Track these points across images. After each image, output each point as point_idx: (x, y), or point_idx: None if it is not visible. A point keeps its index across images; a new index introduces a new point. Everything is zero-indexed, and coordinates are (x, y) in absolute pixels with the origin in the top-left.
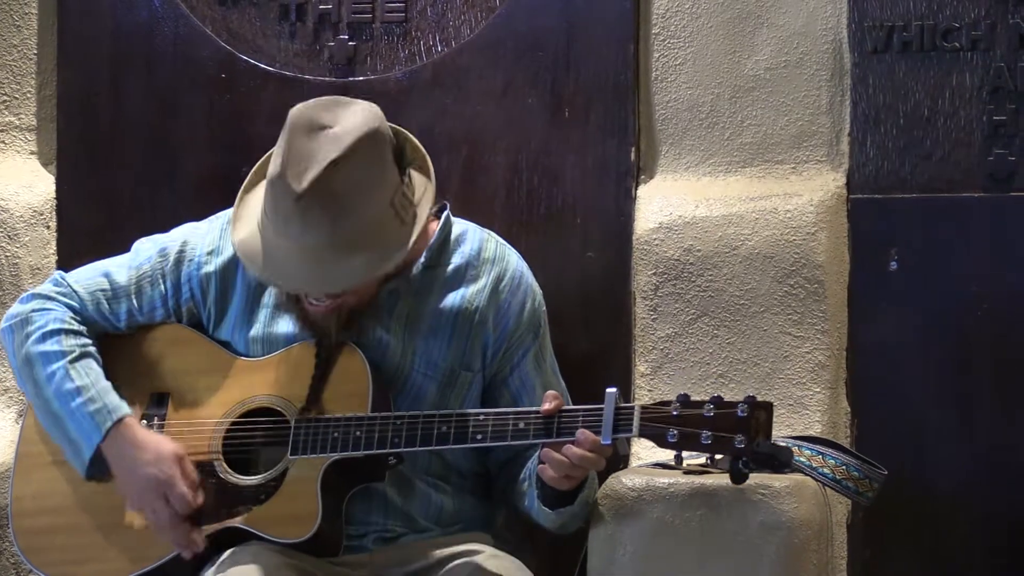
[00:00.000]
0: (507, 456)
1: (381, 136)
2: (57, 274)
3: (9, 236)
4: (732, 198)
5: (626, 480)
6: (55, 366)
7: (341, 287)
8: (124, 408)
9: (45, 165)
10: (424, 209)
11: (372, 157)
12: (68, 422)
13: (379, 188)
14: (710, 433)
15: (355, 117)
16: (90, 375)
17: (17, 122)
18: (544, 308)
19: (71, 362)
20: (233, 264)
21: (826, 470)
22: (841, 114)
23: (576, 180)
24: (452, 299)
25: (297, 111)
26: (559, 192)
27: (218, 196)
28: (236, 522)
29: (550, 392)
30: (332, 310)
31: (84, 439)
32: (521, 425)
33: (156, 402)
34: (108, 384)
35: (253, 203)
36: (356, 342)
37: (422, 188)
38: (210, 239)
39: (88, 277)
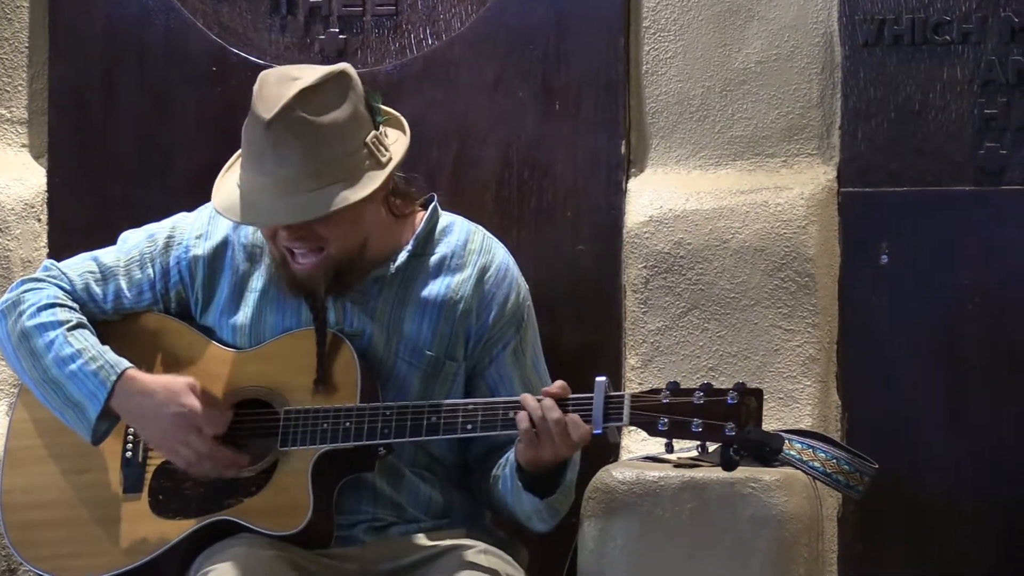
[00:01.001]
0: (487, 448)
1: (352, 80)
2: (47, 262)
3: (0, 229)
4: (723, 191)
5: (616, 474)
6: (53, 334)
7: (319, 213)
8: (124, 362)
9: (36, 158)
10: (399, 152)
11: (343, 93)
12: (69, 385)
13: (352, 125)
14: (700, 421)
15: (324, 68)
16: (88, 340)
17: (8, 115)
18: (529, 303)
19: (69, 330)
20: (222, 249)
21: (816, 463)
22: (832, 107)
23: (567, 173)
24: (437, 287)
25: (266, 72)
26: (550, 185)
27: (209, 189)
28: (227, 514)
29: (558, 382)
30: (318, 266)
31: (88, 399)
32: (511, 415)
33: None
34: (106, 347)
35: (230, 178)
36: (341, 330)
37: (395, 137)
38: (198, 224)
39: (76, 262)
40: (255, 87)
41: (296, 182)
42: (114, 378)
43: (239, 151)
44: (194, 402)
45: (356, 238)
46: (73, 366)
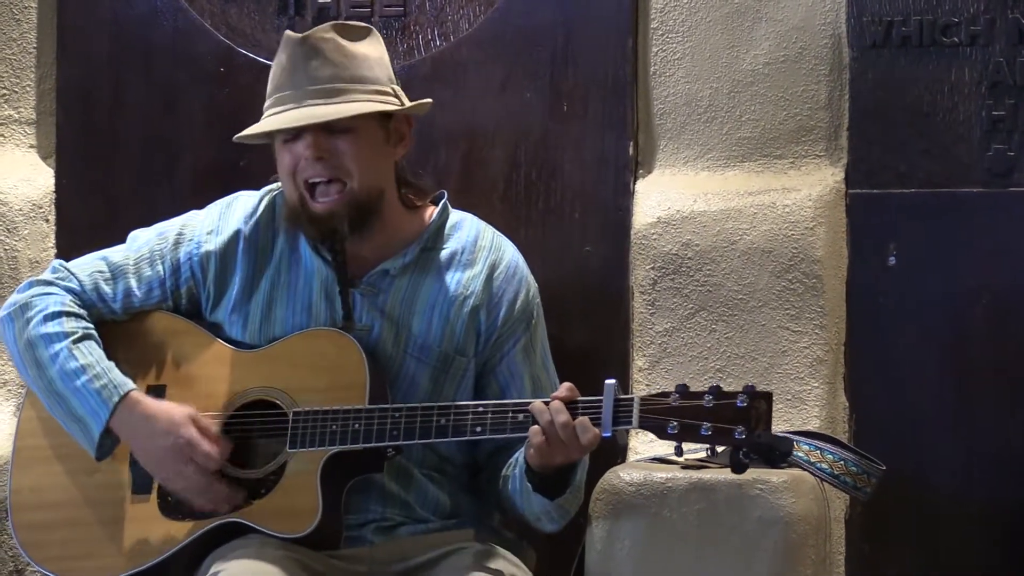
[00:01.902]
0: (495, 446)
1: (379, 35)
2: (56, 262)
3: (8, 229)
4: (730, 192)
5: (624, 475)
6: (58, 346)
7: (348, 112)
8: (129, 383)
9: (44, 159)
10: (417, 108)
11: (374, 41)
12: (73, 401)
13: (381, 63)
14: (710, 424)
15: None
16: (93, 354)
17: (16, 116)
18: (538, 301)
19: (74, 342)
20: (233, 243)
21: (824, 465)
22: (840, 109)
23: (574, 174)
24: (447, 282)
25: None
26: (557, 186)
27: (217, 189)
28: (236, 516)
29: (566, 384)
30: (339, 201)
31: (91, 416)
32: (520, 417)
33: (153, 395)
34: (111, 363)
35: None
36: (350, 327)
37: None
38: (209, 220)
39: (86, 262)
40: (284, 35)
41: (327, 93)
42: (116, 399)
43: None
44: (193, 434)
45: (375, 178)
46: (77, 382)
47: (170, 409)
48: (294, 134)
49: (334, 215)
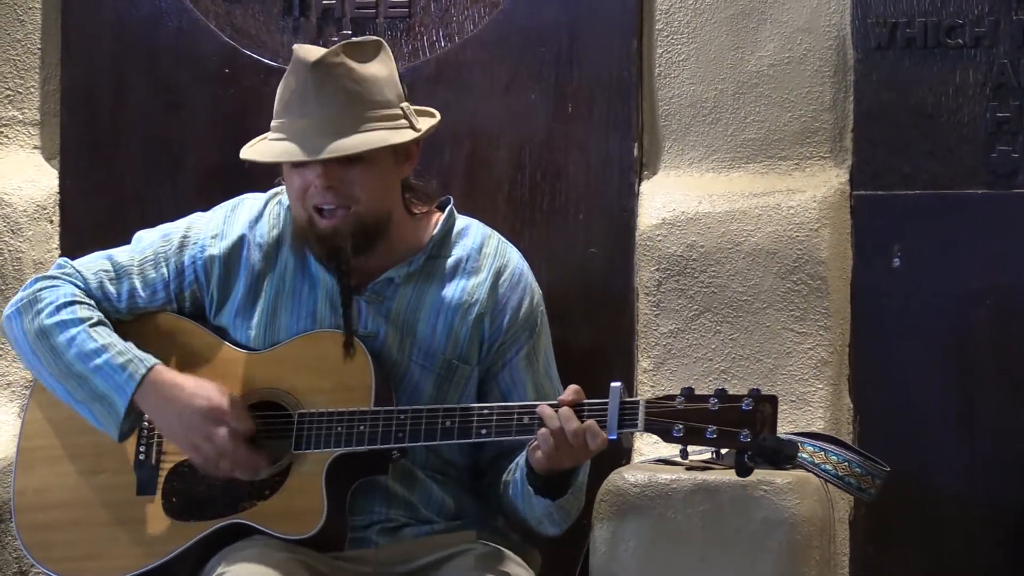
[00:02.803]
0: (498, 451)
1: (388, 48)
2: (61, 260)
3: (12, 230)
4: (735, 194)
5: (628, 476)
6: (75, 330)
7: (361, 148)
8: (153, 358)
9: (48, 160)
10: (429, 124)
11: (384, 59)
12: (95, 379)
13: (390, 83)
14: (715, 427)
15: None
16: (111, 336)
17: (20, 117)
18: (543, 308)
19: (91, 326)
20: (237, 248)
21: (828, 466)
22: (844, 110)
23: (579, 176)
24: (452, 290)
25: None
26: (562, 187)
27: (221, 190)
28: (240, 517)
29: (572, 387)
30: (345, 221)
31: (116, 391)
32: (526, 420)
33: None
34: (131, 343)
35: (259, 144)
36: (356, 332)
37: (425, 115)
38: (214, 224)
39: (91, 261)
40: (293, 53)
41: (338, 122)
42: (143, 371)
43: (261, 135)
44: (223, 399)
45: (383, 202)
46: (99, 360)
47: (200, 379)
48: (303, 161)
49: (338, 233)
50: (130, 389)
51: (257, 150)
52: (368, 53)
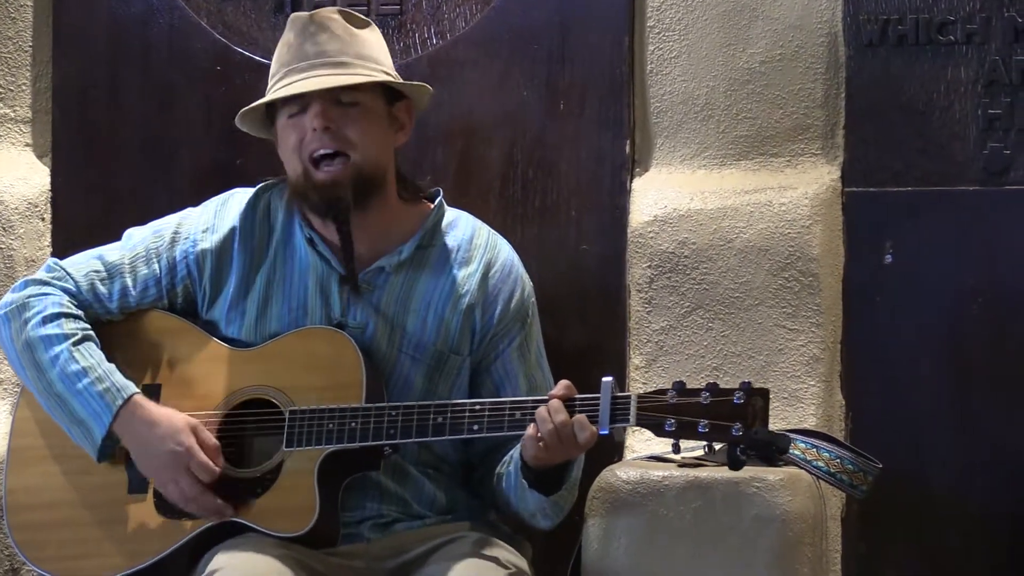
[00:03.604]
0: (489, 446)
1: (381, 36)
2: (51, 261)
3: (4, 228)
4: (727, 191)
5: (621, 473)
6: (58, 348)
7: (359, 79)
8: (132, 387)
9: (40, 157)
10: (421, 90)
11: (375, 32)
12: (75, 403)
13: (382, 49)
14: (707, 421)
15: None
16: (94, 356)
17: (12, 114)
18: (533, 300)
19: (74, 344)
20: (229, 241)
21: (820, 463)
22: (836, 107)
23: (571, 173)
24: (443, 280)
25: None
26: (554, 185)
27: (213, 188)
28: (233, 515)
29: (563, 382)
30: (343, 171)
31: (94, 419)
32: (517, 415)
33: (149, 394)
34: (112, 366)
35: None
36: (343, 326)
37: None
38: (204, 218)
39: (81, 261)
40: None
41: (336, 63)
42: (120, 402)
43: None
44: (192, 443)
45: (379, 154)
46: (79, 384)
47: (172, 416)
48: (301, 107)
49: (338, 183)
50: (107, 419)
51: (252, 104)
52: (362, 22)
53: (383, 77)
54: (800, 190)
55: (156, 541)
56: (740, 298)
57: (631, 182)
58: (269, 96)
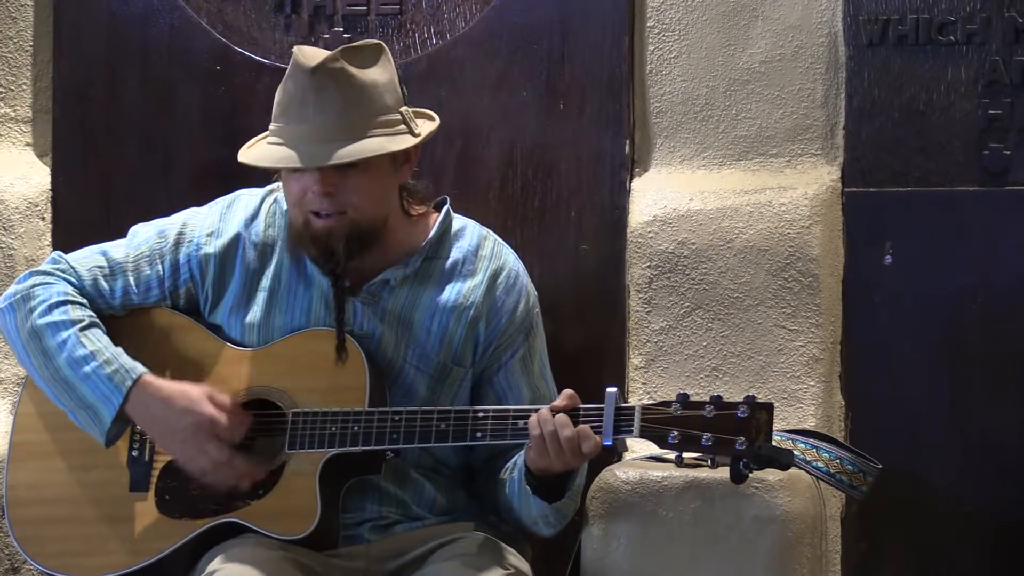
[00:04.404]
0: (491, 452)
1: (388, 52)
2: (55, 253)
3: (4, 227)
4: (727, 191)
5: (620, 473)
6: (66, 334)
7: (359, 156)
8: (140, 367)
9: (40, 157)
10: (428, 129)
11: (384, 63)
12: (83, 387)
13: (389, 88)
14: (711, 435)
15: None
16: (101, 341)
17: (13, 114)
18: (538, 311)
19: (81, 330)
20: (233, 246)
21: (820, 464)
22: (836, 107)
23: (570, 173)
24: (448, 292)
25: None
26: (553, 185)
27: (213, 187)
28: (233, 516)
29: (566, 391)
30: (339, 223)
31: (103, 402)
32: (521, 424)
33: None
34: (120, 349)
35: (257, 146)
36: (351, 332)
37: (424, 118)
38: (209, 221)
39: (86, 256)
40: (293, 56)
41: (337, 129)
42: (129, 383)
43: (259, 136)
44: (213, 411)
45: (379, 208)
46: (87, 368)
47: (185, 388)
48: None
49: (332, 235)
50: (117, 401)
51: (254, 154)
52: (368, 58)
53: (384, 147)
54: (800, 190)
55: (156, 540)
56: (740, 298)
57: (631, 182)
58: (271, 161)
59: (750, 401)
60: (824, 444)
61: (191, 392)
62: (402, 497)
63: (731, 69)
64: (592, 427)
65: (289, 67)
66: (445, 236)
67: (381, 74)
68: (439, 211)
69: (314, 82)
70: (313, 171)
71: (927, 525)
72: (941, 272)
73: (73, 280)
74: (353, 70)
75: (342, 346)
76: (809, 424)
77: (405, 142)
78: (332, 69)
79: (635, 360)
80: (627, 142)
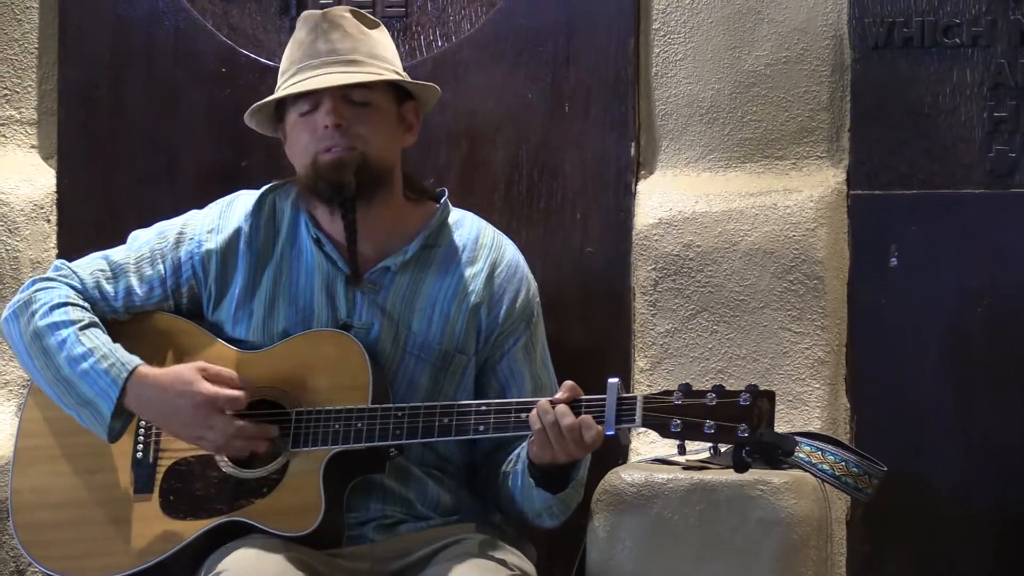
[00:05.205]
0: (493, 445)
1: (390, 39)
2: (58, 261)
3: (10, 230)
4: (732, 194)
5: (625, 476)
6: (65, 333)
7: (372, 77)
8: (136, 359)
9: (46, 159)
10: (430, 91)
11: (384, 32)
12: (82, 384)
13: (392, 49)
14: (713, 423)
15: None
16: (99, 338)
17: (18, 116)
18: (538, 299)
19: (80, 329)
20: (234, 241)
21: (825, 466)
22: (841, 110)
23: (576, 175)
24: (448, 280)
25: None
26: (559, 187)
27: (218, 189)
28: (238, 515)
29: (567, 383)
30: (349, 155)
31: (102, 397)
32: (523, 416)
33: None
34: (118, 344)
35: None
36: (349, 326)
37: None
38: (209, 219)
39: (87, 261)
40: (300, 18)
41: (348, 61)
42: (125, 375)
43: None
44: (209, 387)
45: (387, 152)
46: (85, 364)
47: (178, 371)
48: (312, 105)
49: (343, 165)
50: (114, 394)
51: (263, 100)
52: (371, 22)
53: (395, 76)
54: (805, 193)
55: (161, 541)
56: (745, 301)
57: (636, 184)
58: (281, 92)
59: (752, 389)
60: (829, 447)
61: (184, 373)
62: (406, 496)
63: (736, 71)
64: (594, 417)
65: (297, 24)
66: (444, 224)
67: (384, 37)
68: (438, 200)
69: (325, 24)
70: (325, 103)
71: (932, 528)
72: (947, 274)
73: (75, 284)
74: (360, 23)
75: (355, 276)
76: (814, 426)
77: (411, 80)
78: (340, 14)
79: (640, 362)
80: (632, 144)
